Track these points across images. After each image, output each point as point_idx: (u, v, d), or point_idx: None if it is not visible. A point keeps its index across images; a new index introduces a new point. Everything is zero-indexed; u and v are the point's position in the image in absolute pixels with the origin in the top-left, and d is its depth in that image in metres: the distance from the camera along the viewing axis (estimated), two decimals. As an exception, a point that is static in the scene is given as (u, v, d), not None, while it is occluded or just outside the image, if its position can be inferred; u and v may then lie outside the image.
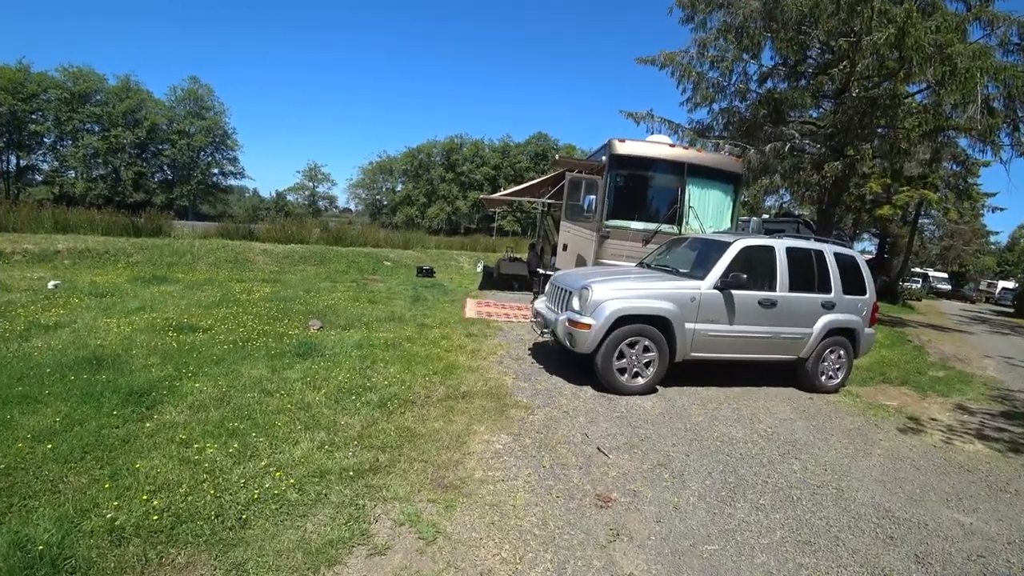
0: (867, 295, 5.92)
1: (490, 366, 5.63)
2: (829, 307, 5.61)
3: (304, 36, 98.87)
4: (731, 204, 8.30)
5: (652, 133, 12.61)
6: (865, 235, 29.65)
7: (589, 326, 4.83)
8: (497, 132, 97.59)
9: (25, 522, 2.24)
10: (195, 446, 3.04)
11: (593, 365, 4.96)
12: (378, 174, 56.34)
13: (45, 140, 36.77)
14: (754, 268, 5.51)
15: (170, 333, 5.43)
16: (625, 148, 7.96)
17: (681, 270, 5.69)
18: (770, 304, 5.33)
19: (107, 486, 2.55)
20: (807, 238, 6.07)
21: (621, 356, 4.96)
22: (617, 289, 5.02)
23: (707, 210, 8.09)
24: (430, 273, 13.70)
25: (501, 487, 2.98)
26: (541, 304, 6.15)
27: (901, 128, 11.32)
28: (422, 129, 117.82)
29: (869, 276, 5.96)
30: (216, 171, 46.96)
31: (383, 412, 3.93)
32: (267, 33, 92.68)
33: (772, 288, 5.41)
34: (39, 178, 37.67)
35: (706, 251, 5.70)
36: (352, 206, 60.38)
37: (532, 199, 12.42)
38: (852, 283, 5.79)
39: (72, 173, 37.81)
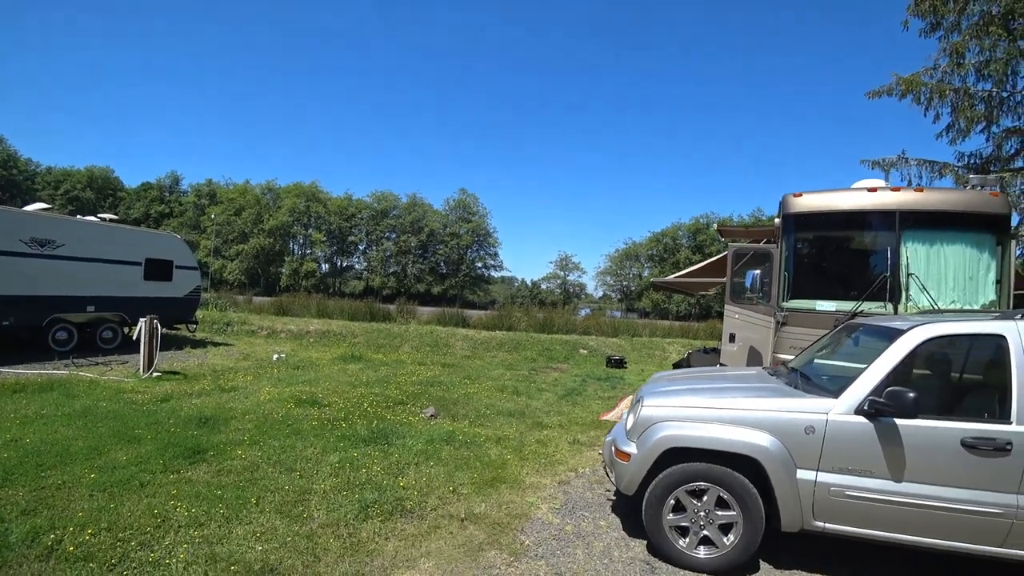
0: None
1: (547, 486, 5.15)
2: None
3: (552, 137, 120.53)
4: (990, 265, 5.70)
5: (908, 181, 10.05)
6: None
7: (628, 456, 3.96)
8: (747, 207, 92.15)
9: (21, 521, 3.36)
10: (173, 503, 3.85)
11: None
12: (624, 260, 59.50)
13: (359, 247, 54.41)
14: (955, 378, 3.67)
15: (290, 405, 6.92)
16: (804, 204, 6.56)
17: (814, 379, 4.16)
18: (995, 449, 3.27)
19: (81, 515, 3.49)
20: None
21: (681, 508, 3.84)
22: (680, 406, 3.94)
23: (945, 277, 5.80)
24: (620, 364, 14.15)
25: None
26: (626, 416, 5.36)
27: None
28: (667, 212, 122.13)
29: None
30: (480, 265, 58.09)
31: (358, 516, 4.07)
32: (522, 140, 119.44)
33: (1001, 416, 3.34)
34: (357, 275, 54.97)
35: (861, 347, 4.06)
36: (600, 293, 64.94)
37: (711, 279, 11.13)
38: None
39: (373, 271, 53.64)
